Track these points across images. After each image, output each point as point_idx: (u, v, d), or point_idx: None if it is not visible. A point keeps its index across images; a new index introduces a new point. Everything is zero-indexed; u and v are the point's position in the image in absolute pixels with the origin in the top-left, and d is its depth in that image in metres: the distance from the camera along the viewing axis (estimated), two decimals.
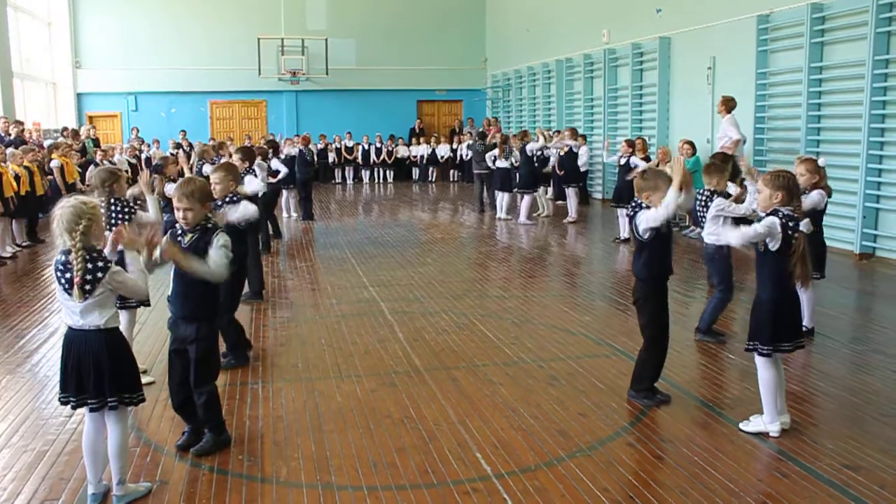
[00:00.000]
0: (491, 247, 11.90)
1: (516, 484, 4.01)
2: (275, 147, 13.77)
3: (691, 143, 12.52)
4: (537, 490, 3.94)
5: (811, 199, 6.09)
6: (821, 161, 6.32)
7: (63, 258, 3.65)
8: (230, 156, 8.82)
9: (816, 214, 6.16)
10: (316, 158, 14.68)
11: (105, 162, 14.23)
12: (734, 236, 4.61)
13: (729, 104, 12.39)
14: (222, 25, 23.26)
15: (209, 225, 4.32)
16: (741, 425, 4.68)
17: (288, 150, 14.47)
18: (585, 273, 10.05)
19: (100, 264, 3.65)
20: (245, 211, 5.81)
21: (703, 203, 6.63)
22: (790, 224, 4.41)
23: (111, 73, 22.84)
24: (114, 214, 5.40)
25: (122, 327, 5.65)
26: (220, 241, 4.24)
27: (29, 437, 4.73)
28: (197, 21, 23.24)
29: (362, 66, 24.22)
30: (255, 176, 8.07)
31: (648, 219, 4.79)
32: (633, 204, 4.99)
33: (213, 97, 24.25)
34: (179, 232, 4.34)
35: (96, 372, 3.69)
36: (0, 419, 5.04)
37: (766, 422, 4.59)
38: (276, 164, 12.43)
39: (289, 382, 5.66)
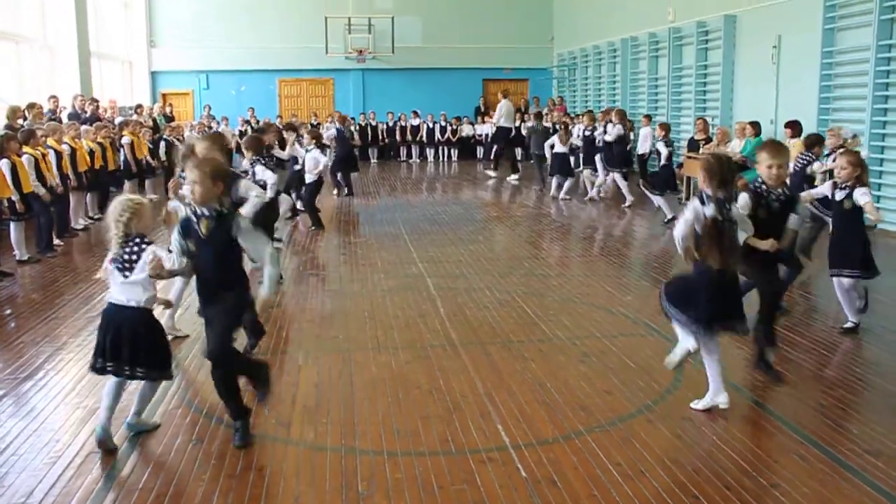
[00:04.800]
0: (545, 226, 11.93)
1: (531, 455, 4.12)
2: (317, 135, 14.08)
3: (754, 125, 12.27)
4: (550, 461, 4.05)
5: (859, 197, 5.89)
6: (844, 132, 5.94)
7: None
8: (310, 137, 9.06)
9: (856, 209, 5.97)
10: (356, 137, 14.82)
11: (174, 138, 14.75)
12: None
13: None
14: (290, 4, 23.61)
15: (225, 211, 4.20)
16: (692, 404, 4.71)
17: (326, 127, 14.67)
18: (635, 254, 10.01)
19: (136, 248, 4.12)
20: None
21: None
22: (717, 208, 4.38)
23: (184, 51, 23.48)
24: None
25: (176, 287, 6.09)
26: (241, 222, 4.22)
27: (83, 395, 5.07)
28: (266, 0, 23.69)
29: (428, 44, 24.29)
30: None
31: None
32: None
33: (282, 75, 24.71)
34: (195, 217, 4.17)
35: (132, 345, 4.12)
36: (61, 377, 5.42)
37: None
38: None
39: (328, 353, 5.88)
